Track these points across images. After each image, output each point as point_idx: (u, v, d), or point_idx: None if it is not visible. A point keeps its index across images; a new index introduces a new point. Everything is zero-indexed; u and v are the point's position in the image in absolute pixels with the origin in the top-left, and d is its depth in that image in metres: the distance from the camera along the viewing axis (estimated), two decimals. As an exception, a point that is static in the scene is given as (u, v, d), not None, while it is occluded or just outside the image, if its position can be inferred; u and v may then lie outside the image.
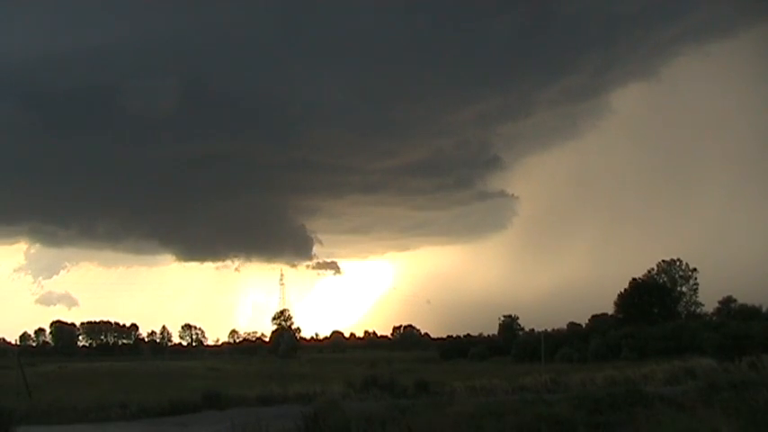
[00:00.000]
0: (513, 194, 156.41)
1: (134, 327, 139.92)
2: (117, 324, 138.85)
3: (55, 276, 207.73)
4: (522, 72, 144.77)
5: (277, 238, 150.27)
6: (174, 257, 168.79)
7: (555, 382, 27.68)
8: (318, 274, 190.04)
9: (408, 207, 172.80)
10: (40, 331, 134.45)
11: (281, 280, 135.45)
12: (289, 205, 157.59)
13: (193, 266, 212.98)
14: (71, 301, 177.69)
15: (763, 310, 65.99)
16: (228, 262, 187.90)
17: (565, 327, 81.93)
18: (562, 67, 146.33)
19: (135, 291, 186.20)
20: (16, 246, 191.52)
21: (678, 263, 77.51)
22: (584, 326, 79.69)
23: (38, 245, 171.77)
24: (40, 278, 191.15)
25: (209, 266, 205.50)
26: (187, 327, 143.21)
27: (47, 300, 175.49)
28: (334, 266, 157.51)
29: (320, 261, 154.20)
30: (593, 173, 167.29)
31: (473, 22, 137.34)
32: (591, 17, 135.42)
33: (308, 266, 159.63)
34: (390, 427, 13.69)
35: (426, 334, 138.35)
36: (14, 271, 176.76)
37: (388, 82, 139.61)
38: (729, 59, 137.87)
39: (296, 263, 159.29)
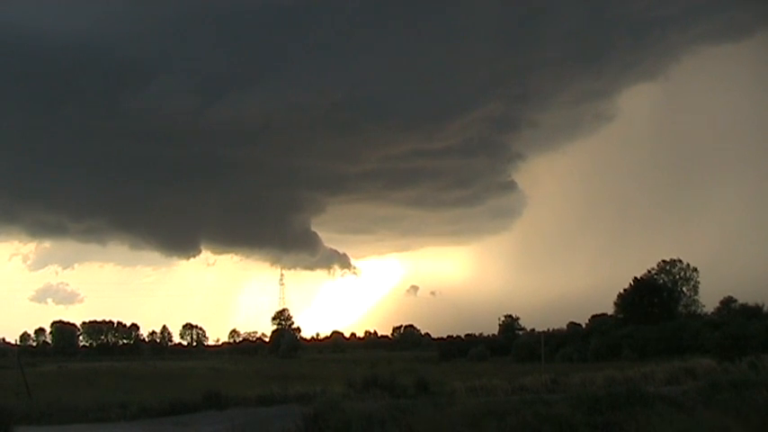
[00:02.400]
0: (516, 195, 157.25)
1: (134, 326, 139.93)
2: (118, 324, 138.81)
3: (57, 274, 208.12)
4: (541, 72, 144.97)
5: (279, 236, 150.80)
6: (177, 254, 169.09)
7: (555, 383, 27.66)
8: (318, 273, 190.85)
9: (412, 207, 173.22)
10: (40, 331, 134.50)
11: (281, 280, 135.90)
12: (290, 203, 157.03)
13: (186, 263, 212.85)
14: (73, 300, 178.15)
15: (764, 309, 65.95)
16: (230, 257, 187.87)
17: (565, 327, 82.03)
18: (581, 69, 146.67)
19: (137, 290, 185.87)
20: (16, 243, 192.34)
21: (678, 263, 77.44)
22: (584, 326, 79.69)
23: (43, 242, 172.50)
24: (42, 275, 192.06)
25: (200, 262, 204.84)
26: (188, 326, 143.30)
27: (47, 297, 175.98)
28: (335, 266, 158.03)
29: (321, 260, 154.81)
30: (595, 173, 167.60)
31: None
32: (617, 21, 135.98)
33: (309, 266, 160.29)
34: (390, 427, 13.68)
35: (426, 334, 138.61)
36: (17, 267, 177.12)
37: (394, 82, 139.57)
38: (736, 61, 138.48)
39: (297, 262, 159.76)
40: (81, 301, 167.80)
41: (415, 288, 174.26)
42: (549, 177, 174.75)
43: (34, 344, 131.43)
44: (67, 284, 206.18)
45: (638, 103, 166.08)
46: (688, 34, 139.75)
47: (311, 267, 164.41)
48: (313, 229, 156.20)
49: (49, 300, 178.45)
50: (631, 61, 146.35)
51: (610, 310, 76.46)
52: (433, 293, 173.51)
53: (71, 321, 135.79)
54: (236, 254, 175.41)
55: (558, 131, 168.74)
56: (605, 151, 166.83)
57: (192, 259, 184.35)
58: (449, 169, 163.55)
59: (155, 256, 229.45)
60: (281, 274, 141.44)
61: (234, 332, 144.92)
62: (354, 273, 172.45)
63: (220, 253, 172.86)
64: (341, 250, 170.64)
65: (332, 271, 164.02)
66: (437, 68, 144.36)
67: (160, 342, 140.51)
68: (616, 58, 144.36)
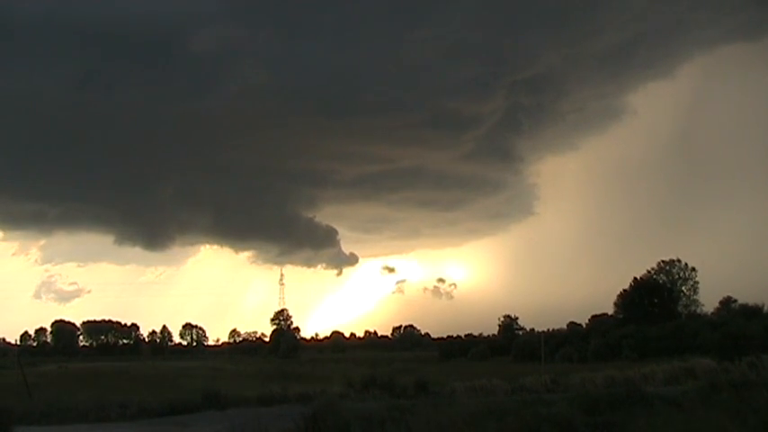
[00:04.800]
0: (518, 196, 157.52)
1: (135, 326, 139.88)
2: (118, 323, 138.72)
3: (57, 273, 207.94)
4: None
5: (279, 235, 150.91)
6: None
7: (555, 383, 27.69)
8: (318, 272, 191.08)
9: (412, 207, 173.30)
10: (40, 331, 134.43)
11: (281, 280, 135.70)
12: (290, 202, 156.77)
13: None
14: (73, 299, 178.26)
15: (764, 309, 65.92)
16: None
17: (565, 327, 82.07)
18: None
19: (137, 289, 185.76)
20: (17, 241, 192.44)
21: (677, 263, 77.44)
22: (584, 326, 79.71)
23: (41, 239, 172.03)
24: (42, 274, 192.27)
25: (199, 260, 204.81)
26: (188, 326, 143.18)
27: (47, 296, 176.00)
28: (335, 265, 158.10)
29: (321, 259, 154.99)
30: (595, 174, 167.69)
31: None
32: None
33: (309, 265, 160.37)
34: (390, 427, 13.69)
35: (426, 334, 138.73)
36: (17, 265, 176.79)
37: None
38: (742, 62, 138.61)
39: (297, 261, 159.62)
40: (81, 300, 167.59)
41: (415, 288, 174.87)
42: (549, 178, 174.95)
43: (34, 344, 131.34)
44: (67, 283, 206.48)
45: (644, 102, 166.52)
46: (699, 34, 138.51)
47: (311, 266, 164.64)
48: (313, 228, 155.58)
49: (49, 299, 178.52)
50: (644, 60, 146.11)
51: (610, 310, 76.53)
52: (425, 290, 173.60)
53: (71, 321, 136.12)
54: (234, 249, 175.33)
55: (559, 132, 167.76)
56: (606, 151, 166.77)
57: (193, 256, 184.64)
58: (451, 169, 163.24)
59: (155, 255, 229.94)
60: (281, 274, 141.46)
61: (234, 332, 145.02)
62: (355, 272, 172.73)
63: (217, 246, 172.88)
64: (341, 249, 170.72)
65: (332, 270, 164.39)
66: (441, 62, 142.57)
67: (160, 342, 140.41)
68: (632, 58, 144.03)
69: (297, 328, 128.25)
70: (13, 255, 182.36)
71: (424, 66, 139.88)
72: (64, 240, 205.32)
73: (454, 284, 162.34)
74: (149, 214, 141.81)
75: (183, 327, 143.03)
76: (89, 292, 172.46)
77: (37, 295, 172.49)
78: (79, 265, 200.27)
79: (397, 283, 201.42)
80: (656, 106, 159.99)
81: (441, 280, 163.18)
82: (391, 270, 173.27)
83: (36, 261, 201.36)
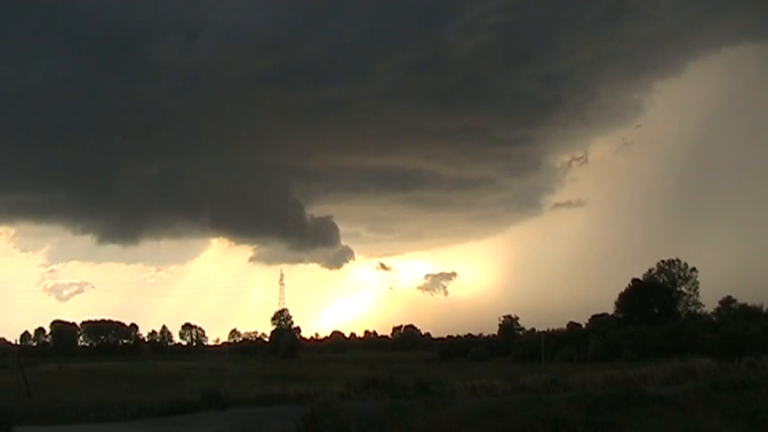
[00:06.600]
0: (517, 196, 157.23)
1: (134, 326, 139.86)
2: (118, 323, 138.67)
3: (58, 272, 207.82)
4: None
5: (278, 234, 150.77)
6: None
7: (555, 383, 27.66)
8: (316, 272, 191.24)
9: (412, 207, 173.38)
10: (40, 331, 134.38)
11: (281, 280, 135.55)
12: (289, 201, 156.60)
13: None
14: (73, 298, 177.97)
15: (764, 310, 65.95)
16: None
17: (565, 327, 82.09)
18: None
19: (137, 289, 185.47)
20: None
21: (677, 263, 77.44)
22: (584, 326, 79.72)
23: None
24: (41, 273, 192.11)
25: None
26: (187, 326, 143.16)
27: (47, 296, 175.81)
28: (336, 264, 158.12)
29: (323, 258, 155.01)
30: (594, 174, 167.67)
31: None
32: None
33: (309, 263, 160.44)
34: (390, 427, 13.69)
35: (427, 334, 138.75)
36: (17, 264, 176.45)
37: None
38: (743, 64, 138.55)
39: (298, 260, 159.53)
40: (80, 300, 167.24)
41: (414, 288, 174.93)
42: (551, 178, 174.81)
43: (34, 344, 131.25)
44: (68, 283, 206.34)
45: (649, 102, 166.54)
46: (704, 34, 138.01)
47: (311, 265, 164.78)
48: (313, 227, 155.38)
49: (48, 298, 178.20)
50: (650, 60, 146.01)
51: (610, 311, 76.54)
52: (425, 290, 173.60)
53: (71, 321, 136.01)
54: (234, 246, 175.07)
55: (562, 133, 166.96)
56: (609, 152, 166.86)
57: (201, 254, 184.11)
58: (452, 169, 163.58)
59: (156, 254, 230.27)
60: (281, 274, 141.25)
61: (234, 332, 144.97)
62: (355, 272, 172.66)
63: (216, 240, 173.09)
64: (342, 249, 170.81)
65: (332, 270, 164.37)
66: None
67: (160, 342, 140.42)
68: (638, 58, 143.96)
69: (297, 328, 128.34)
70: (20, 252, 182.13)
71: (426, 63, 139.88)
72: (65, 239, 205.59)
73: (454, 284, 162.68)
74: (130, 211, 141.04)
75: (183, 327, 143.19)
76: (93, 288, 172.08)
77: (35, 296, 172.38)
78: (79, 264, 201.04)
79: (398, 282, 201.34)
80: (660, 106, 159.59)
81: (441, 280, 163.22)
82: (391, 270, 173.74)
83: (36, 259, 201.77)
